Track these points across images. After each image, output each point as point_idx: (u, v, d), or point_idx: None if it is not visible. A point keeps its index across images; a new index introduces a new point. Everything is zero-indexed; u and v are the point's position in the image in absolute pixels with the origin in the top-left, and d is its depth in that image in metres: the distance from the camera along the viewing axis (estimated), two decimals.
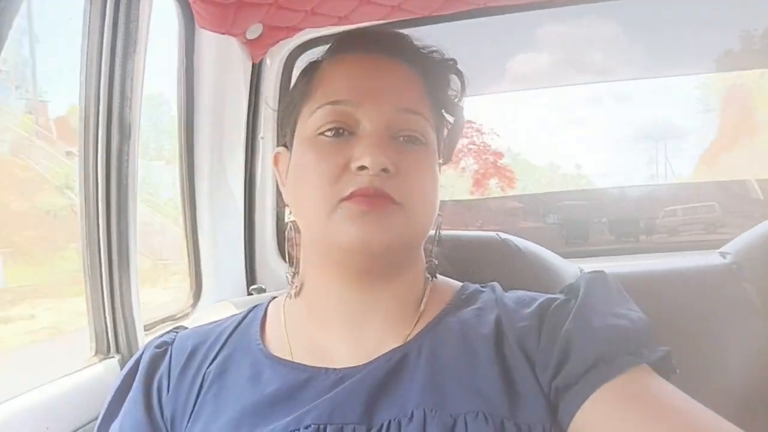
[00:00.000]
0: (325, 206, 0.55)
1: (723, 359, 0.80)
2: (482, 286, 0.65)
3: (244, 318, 0.66)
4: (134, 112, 0.81)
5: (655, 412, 0.48)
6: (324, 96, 0.58)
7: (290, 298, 0.65)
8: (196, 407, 0.58)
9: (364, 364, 0.56)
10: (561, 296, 0.59)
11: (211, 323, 0.67)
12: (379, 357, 0.56)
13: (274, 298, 0.68)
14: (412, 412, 0.52)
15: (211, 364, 0.61)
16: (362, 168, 0.54)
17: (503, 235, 0.88)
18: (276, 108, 0.68)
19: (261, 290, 1.19)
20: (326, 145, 0.57)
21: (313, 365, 0.57)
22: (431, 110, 0.61)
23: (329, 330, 0.60)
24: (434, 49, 0.64)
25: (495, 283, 0.65)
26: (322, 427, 0.52)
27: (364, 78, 0.59)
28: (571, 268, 0.87)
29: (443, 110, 0.64)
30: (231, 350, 0.62)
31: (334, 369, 0.56)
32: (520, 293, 0.62)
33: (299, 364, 0.58)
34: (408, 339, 0.58)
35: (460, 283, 0.66)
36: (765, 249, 0.86)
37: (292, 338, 0.61)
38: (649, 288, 0.84)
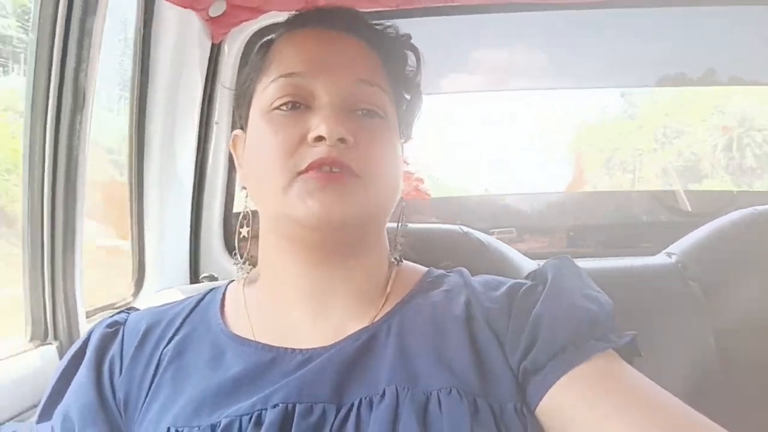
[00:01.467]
0: (282, 180, 0.53)
1: (669, 355, 0.84)
2: (448, 271, 0.65)
3: (201, 300, 0.64)
4: (90, 80, 0.75)
5: (623, 397, 0.49)
6: (278, 69, 0.57)
7: (246, 284, 0.63)
8: (152, 389, 0.56)
9: (331, 344, 0.55)
10: (528, 281, 0.60)
11: (164, 305, 0.65)
12: (346, 337, 0.56)
13: (232, 281, 0.66)
14: (384, 390, 0.51)
15: (167, 344, 0.58)
16: (319, 139, 0.53)
17: (465, 228, 0.89)
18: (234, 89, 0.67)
19: (213, 278, 1.15)
20: (281, 118, 0.55)
21: (278, 345, 0.56)
22: (389, 85, 0.60)
23: (292, 311, 0.58)
24: (389, 25, 0.63)
25: (461, 268, 0.64)
26: (290, 406, 0.51)
27: (319, 51, 0.58)
28: (529, 264, 0.89)
29: (400, 87, 0.63)
30: (189, 330, 0.59)
31: (300, 350, 0.55)
32: (487, 277, 0.62)
33: (263, 344, 0.56)
34: (375, 319, 0.57)
35: (425, 268, 0.65)
36: (709, 248, 0.91)
37: (253, 319, 0.59)
38: (602, 284, 0.87)
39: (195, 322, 0.61)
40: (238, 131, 0.64)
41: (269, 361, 0.55)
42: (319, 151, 0.53)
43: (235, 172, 1.17)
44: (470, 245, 0.86)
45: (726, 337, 0.84)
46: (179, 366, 0.56)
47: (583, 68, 1.69)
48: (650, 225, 1.50)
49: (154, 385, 0.56)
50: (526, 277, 0.61)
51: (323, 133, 0.52)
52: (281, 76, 0.56)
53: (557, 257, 0.61)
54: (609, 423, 0.47)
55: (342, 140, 0.53)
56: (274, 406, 0.51)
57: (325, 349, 0.55)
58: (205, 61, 1.09)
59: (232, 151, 0.66)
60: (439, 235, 0.86)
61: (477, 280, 0.62)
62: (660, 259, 0.94)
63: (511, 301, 0.57)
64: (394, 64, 0.63)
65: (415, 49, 0.64)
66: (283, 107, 0.56)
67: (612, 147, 8.28)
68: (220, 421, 0.51)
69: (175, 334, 0.59)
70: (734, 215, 0.93)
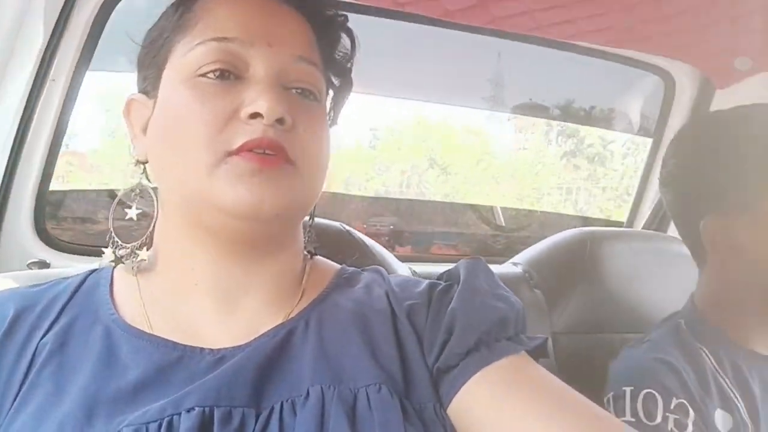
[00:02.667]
0: (207, 160, 0.48)
1: None
2: (362, 269, 0.64)
3: (81, 283, 0.55)
4: None
5: (533, 398, 0.49)
6: (207, 31, 0.51)
7: (138, 273, 0.56)
8: (24, 387, 0.47)
9: (245, 344, 0.51)
10: (443, 282, 0.59)
11: (32, 286, 0.55)
12: (261, 335, 0.52)
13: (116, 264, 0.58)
14: (308, 390, 0.48)
15: (45, 334, 0.50)
16: (255, 116, 0.48)
17: (347, 227, 0.87)
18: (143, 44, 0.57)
19: (44, 264, 0.94)
20: (209, 87, 0.50)
21: (184, 343, 0.50)
22: (323, 66, 0.57)
23: (199, 306, 0.53)
24: (327, 1, 0.60)
25: (378, 267, 0.64)
26: (207, 410, 0.46)
27: (257, 17, 0.52)
28: (402, 268, 0.90)
29: (331, 71, 0.60)
30: (71, 318, 0.51)
31: (210, 349, 0.50)
32: (404, 276, 0.63)
33: (167, 340, 0.50)
34: (291, 315, 0.54)
35: (338, 264, 0.64)
36: (548, 261, 1.04)
37: (151, 311, 0.53)
38: None
39: (78, 308, 0.52)
40: (137, 95, 0.56)
41: (175, 360, 0.49)
42: (253, 130, 0.48)
43: (58, 142, 1.01)
44: (353, 243, 0.85)
45: (560, 340, 0.96)
46: (61, 361, 0.48)
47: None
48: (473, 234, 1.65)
49: (27, 382, 0.47)
50: (439, 278, 0.61)
51: (261, 110, 0.48)
52: (212, 39, 0.50)
53: (469, 258, 0.61)
54: (519, 423, 0.48)
55: (280, 120, 0.49)
56: (189, 411, 0.45)
57: (239, 348, 0.51)
58: (54, 10, 0.90)
59: (125, 119, 0.56)
60: (324, 230, 0.83)
61: (394, 279, 0.61)
62: (508, 268, 1.04)
63: (429, 299, 0.57)
64: (328, 45, 0.59)
65: (350, 32, 0.61)
66: (211, 74, 0.50)
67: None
68: (120, 430, 0.44)
69: (54, 322, 0.51)
70: (567, 233, 1.07)
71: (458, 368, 0.51)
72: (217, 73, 0.50)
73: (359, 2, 0.99)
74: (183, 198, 0.51)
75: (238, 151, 0.48)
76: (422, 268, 0.94)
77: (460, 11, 1.00)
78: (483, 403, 0.50)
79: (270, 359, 0.50)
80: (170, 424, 0.44)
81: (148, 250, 0.57)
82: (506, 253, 1.67)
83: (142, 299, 0.53)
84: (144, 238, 0.57)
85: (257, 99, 0.48)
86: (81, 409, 0.45)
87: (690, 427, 0.70)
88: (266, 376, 0.49)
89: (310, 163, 0.52)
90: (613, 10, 0.98)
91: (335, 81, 0.61)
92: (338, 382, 0.49)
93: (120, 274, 0.57)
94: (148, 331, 0.51)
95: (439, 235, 1.58)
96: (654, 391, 0.72)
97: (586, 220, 1.82)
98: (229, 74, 0.50)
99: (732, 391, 0.75)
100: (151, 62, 0.54)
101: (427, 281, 0.60)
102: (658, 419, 0.70)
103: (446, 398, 0.51)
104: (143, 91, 0.55)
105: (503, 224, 1.77)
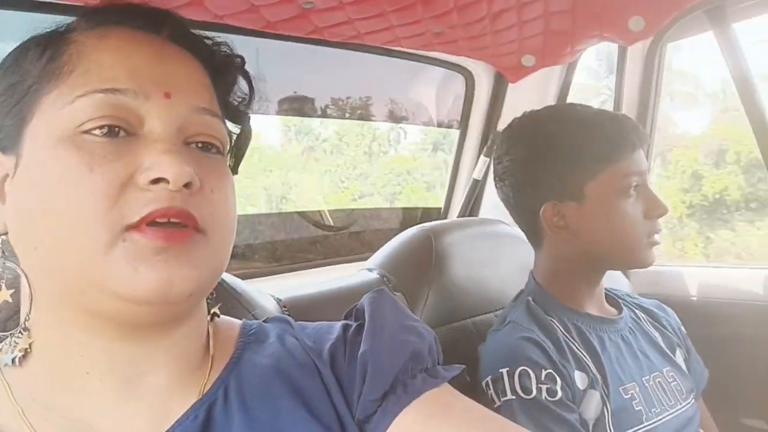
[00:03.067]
0: (101, 239, 0.40)
1: None
2: (264, 321, 0.59)
3: None
4: None
5: (459, 427, 0.47)
6: (90, 80, 0.43)
7: (13, 366, 0.45)
8: None
9: None
10: (353, 322, 0.56)
11: None
12: (180, 419, 0.45)
13: None
14: None
15: None
16: (157, 181, 0.41)
17: None
18: None
19: None
20: (98, 147, 0.42)
21: None
22: (222, 115, 0.51)
23: (93, 399, 0.45)
24: (221, 41, 0.53)
25: (284, 316, 0.60)
26: None
27: (149, 62, 0.45)
28: (269, 302, 0.85)
29: (229, 118, 0.54)
30: None
31: None
32: (315, 324, 0.58)
33: None
34: (206, 389, 0.48)
35: (238, 320, 0.58)
36: (401, 259, 1.07)
37: (31, 414, 0.43)
38: (322, 309, 0.91)
39: None
40: None
41: None
42: (156, 198, 0.41)
43: None
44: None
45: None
46: None
47: None
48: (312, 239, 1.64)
49: None
50: (347, 316, 0.59)
51: (167, 175, 0.41)
52: (98, 90, 0.43)
53: (374, 290, 0.59)
54: None
55: (188, 184, 0.42)
56: None
57: None
58: None
59: None
60: None
61: (304, 327, 0.57)
62: (365, 275, 1.05)
63: (345, 343, 0.54)
64: (225, 90, 0.54)
65: (247, 75, 0.55)
66: (97, 131, 0.42)
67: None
68: None
69: None
70: (408, 232, 1.12)
71: (377, 415, 0.48)
72: (105, 130, 0.42)
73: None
74: (66, 284, 0.42)
75: (138, 225, 0.40)
76: (286, 294, 0.90)
77: (281, 22, 0.97)
78: None
79: None
80: None
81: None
82: (344, 249, 1.71)
83: (14, 401, 0.43)
84: (24, 321, 0.45)
85: (159, 161, 0.41)
86: None
87: (559, 393, 0.79)
88: None
89: (222, 228, 0.46)
90: (425, 18, 1.04)
91: (234, 129, 0.55)
92: None
93: None
94: None
95: (276, 245, 1.54)
96: (526, 368, 0.80)
97: (405, 211, 1.92)
98: (119, 130, 0.43)
99: (581, 352, 0.87)
100: (8, 112, 0.45)
101: (340, 323, 0.57)
102: (534, 392, 0.78)
103: None
104: None
105: (332, 224, 1.80)
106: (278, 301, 0.86)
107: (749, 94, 1.17)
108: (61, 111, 0.42)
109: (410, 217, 1.86)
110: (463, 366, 0.54)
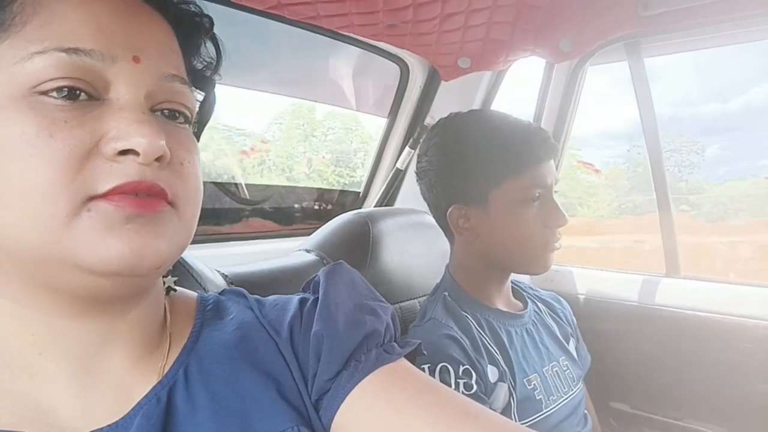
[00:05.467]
0: (62, 209, 0.37)
1: None
2: (220, 293, 0.57)
3: None
4: None
5: (413, 404, 0.46)
6: (49, 35, 0.39)
7: None
8: None
9: (123, 419, 0.42)
10: (310, 295, 0.55)
11: None
12: (139, 404, 0.43)
13: None
14: None
15: None
16: (125, 152, 0.39)
17: None
18: None
19: None
20: (58, 112, 0.38)
21: None
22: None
23: (47, 382, 0.42)
24: (190, 0, 0.49)
25: (239, 288, 0.58)
26: None
27: (117, 21, 0.41)
28: (217, 278, 0.84)
29: (194, 84, 0.50)
30: None
31: None
32: (274, 298, 0.57)
33: None
34: (166, 371, 0.46)
35: (193, 293, 0.56)
36: (339, 242, 1.10)
37: None
38: (267, 287, 0.92)
39: None
40: None
41: None
42: (125, 171, 0.38)
43: None
44: None
45: None
46: None
47: None
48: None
49: None
50: (305, 287, 0.58)
51: (138, 148, 0.38)
52: (59, 49, 0.38)
53: (331, 264, 0.58)
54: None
55: (160, 158, 0.40)
56: None
57: (119, 424, 0.42)
58: None
59: None
60: None
61: (265, 303, 0.55)
62: (303, 256, 1.06)
63: (301, 320, 0.52)
64: (192, 54, 0.50)
65: (216, 39, 0.52)
66: (55, 93, 0.38)
67: None
68: None
69: None
70: (347, 216, 1.15)
71: (330, 393, 0.48)
72: (65, 93, 0.38)
73: None
74: (18, 257, 0.39)
75: (105, 195, 0.38)
76: (232, 269, 0.89)
77: None
78: (362, 420, 0.46)
79: (165, 430, 0.42)
80: None
81: None
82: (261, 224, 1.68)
83: None
84: None
85: (128, 131, 0.38)
86: None
87: (474, 387, 0.84)
88: None
89: (193, 202, 0.44)
90: (383, 10, 1.06)
91: (199, 97, 0.51)
92: None
93: None
94: None
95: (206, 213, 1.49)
96: (447, 364, 0.84)
97: (321, 192, 1.93)
98: (80, 93, 0.39)
99: (492, 348, 0.93)
100: None
101: (297, 298, 0.55)
102: (452, 386, 0.82)
103: (327, 426, 0.47)
104: None
105: (248, 197, 1.77)
106: (225, 276, 0.85)
107: (651, 122, 1.34)
108: (14, 67, 0.38)
109: (327, 198, 1.87)
110: (419, 341, 0.55)
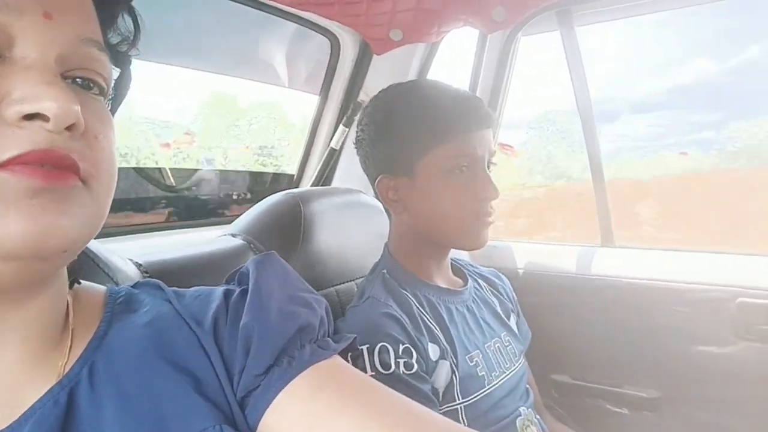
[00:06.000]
0: None
1: None
2: (131, 286, 0.52)
3: None
4: None
5: (347, 403, 0.43)
6: None
7: None
8: None
9: (14, 424, 0.38)
10: (236, 287, 0.51)
11: None
12: (33, 407, 0.39)
13: None
14: None
15: None
16: (33, 117, 0.34)
17: None
18: None
19: None
20: None
21: None
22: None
23: None
24: None
25: (155, 280, 0.53)
26: None
27: None
28: (129, 267, 0.76)
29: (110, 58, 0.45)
30: None
31: None
32: (195, 289, 0.52)
33: None
34: (66, 369, 0.41)
35: (101, 286, 0.51)
36: (268, 225, 1.03)
37: None
38: (186, 276, 0.85)
39: None
40: None
41: None
42: (30, 138, 0.34)
43: None
44: None
45: None
46: None
47: None
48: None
49: None
50: (229, 280, 0.54)
51: (48, 112, 0.34)
52: None
53: (261, 254, 0.54)
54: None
55: (71, 126, 0.36)
56: None
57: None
58: None
59: None
60: None
61: (184, 295, 0.51)
62: (228, 241, 0.99)
63: (227, 312, 0.49)
64: (109, 28, 0.46)
65: (133, 12, 0.48)
66: None
67: None
68: None
69: None
70: (276, 197, 1.08)
71: (259, 390, 0.44)
72: None
73: None
74: None
75: (5, 165, 0.33)
76: (147, 258, 0.81)
77: None
78: (294, 420, 0.43)
79: None
80: None
81: None
82: (192, 211, 1.59)
83: None
84: None
85: (36, 93, 0.34)
86: None
87: (415, 366, 0.81)
88: None
89: (105, 181, 0.40)
90: None
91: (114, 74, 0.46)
92: None
93: None
94: None
95: (124, 203, 1.38)
96: (386, 343, 0.81)
97: (254, 175, 1.84)
98: None
99: (432, 325, 0.90)
100: None
101: (221, 289, 0.51)
102: (393, 367, 0.79)
103: (253, 425, 0.44)
104: None
105: (174, 184, 1.67)
106: (138, 265, 0.77)
107: (583, 91, 1.34)
108: None
109: (259, 181, 1.79)
110: (354, 335, 0.53)
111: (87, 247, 0.67)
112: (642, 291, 1.35)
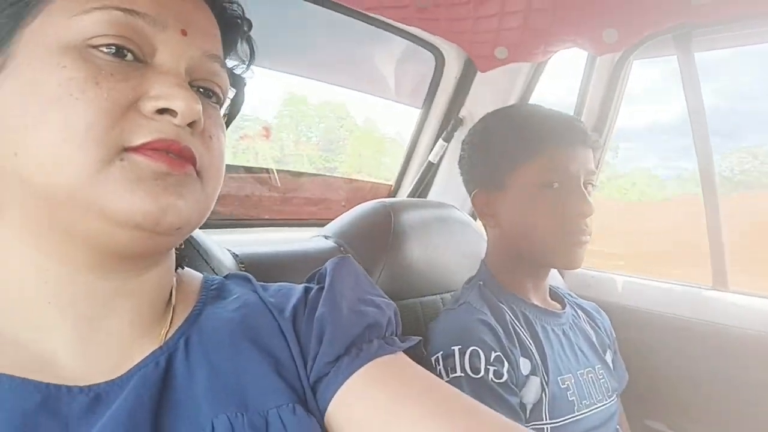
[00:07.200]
0: (95, 154, 0.38)
1: None
2: (225, 277, 0.58)
3: None
4: None
5: (409, 397, 0.46)
6: None
7: None
8: None
9: (121, 378, 0.43)
10: (314, 285, 0.57)
11: None
12: (140, 364, 0.44)
13: None
14: (212, 424, 0.43)
15: None
16: (164, 112, 0.41)
17: None
18: None
19: None
20: (107, 65, 0.40)
21: (41, 381, 0.40)
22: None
23: (53, 332, 0.42)
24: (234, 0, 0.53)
25: (246, 273, 0.59)
26: None
27: None
28: (228, 259, 0.82)
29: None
30: None
31: (80, 387, 0.41)
32: (277, 285, 0.58)
33: (24, 380, 0.39)
34: (167, 337, 0.47)
35: (199, 274, 0.57)
36: (359, 230, 1.07)
37: None
38: (278, 270, 0.90)
39: None
40: None
41: (39, 404, 0.38)
42: (162, 129, 0.41)
43: None
44: None
45: None
46: None
47: None
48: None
49: None
50: (309, 279, 0.59)
51: (177, 108, 0.41)
52: (117, 7, 0.41)
53: (339, 257, 0.59)
54: (395, 425, 0.45)
55: (192, 124, 0.43)
56: None
57: (115, 384, 0.42)
58: None
59: None
60: None
61: (265, 287, 0.57)
62: (321, 242, 1.03)
63: (305, 305, 0.54)
64: (229, 52, 0.54)
65: (251, 40, 0.55)
66: (105, 48, 0.40)
67: None
68: None
69: None
70: (369, 205, 1.12)
71: (329, 376, 0.49)
72: (113, 50, 0.41)
73: None
74: (45, 197, 0.39)
75: (139, 148, 0.40)
76: (244, 250, 0.87)
77: None
78: (359, 407, 0.47)
79: (160, 393, 0.43)
80: None
81: None
82: (290, 210, 1.67)
83: None
84: None
85: (170, 92, 0.41)
86: None
87: (505, 376, 0.81)
88: (161, 413, 0.42)
89: (216, 178, 0.46)
90: None
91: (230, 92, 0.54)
92: (245, 408, 0.44)
93: None
94: None
95: (231, 200, 1.49)
96: (478, 348, 0.82)
97: (354, 183, 1.90)
98: (127, 52, 0.41)
99: (527, 340, 0.89)
100: (3, 10, 0.41)
101: (302, 286, 0.57)
102: (482, 372, 0.80)
103: (323, 408, 0.48)
104: None
105: (279, 185, 1.76)
106: (235, 256, 0.83)
107: (700, 120, 1.25)
108: (71, 20, 0.40)
109: (359, 189, 1.84)
110: (420, 338, 0.55)
111: (191, 235, 0.74)
112: (754, 342, 1.22)
